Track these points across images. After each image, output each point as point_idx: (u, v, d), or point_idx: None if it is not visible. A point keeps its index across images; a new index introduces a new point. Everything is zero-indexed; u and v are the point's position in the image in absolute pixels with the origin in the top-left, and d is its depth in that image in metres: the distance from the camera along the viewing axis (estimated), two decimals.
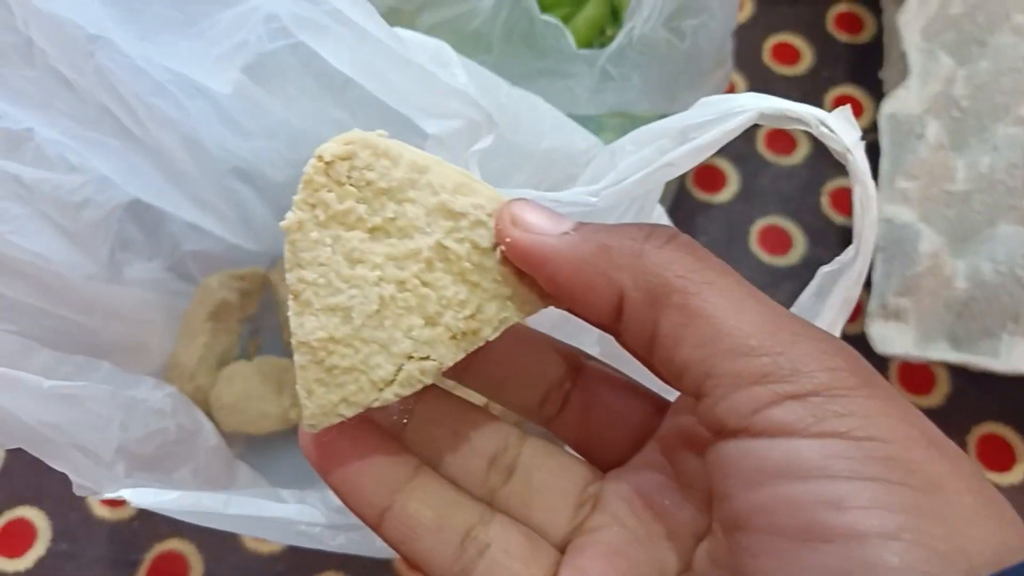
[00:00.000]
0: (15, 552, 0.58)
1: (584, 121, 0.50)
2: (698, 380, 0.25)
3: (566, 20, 0.57)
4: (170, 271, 0.60)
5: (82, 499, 0.59)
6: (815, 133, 0.31)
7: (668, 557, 0.30)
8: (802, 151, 0.69)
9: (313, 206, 0.27)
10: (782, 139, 0.69)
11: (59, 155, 0.45)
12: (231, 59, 0.43)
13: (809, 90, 0.71)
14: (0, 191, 0.42)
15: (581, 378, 0.33)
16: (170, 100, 0.46)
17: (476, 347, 0.28)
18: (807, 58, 0.72)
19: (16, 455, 0.60)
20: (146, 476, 0.39)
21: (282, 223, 0.27)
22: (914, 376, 0.61)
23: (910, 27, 0.62)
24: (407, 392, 0.28)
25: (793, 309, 0.32)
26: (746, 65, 0.71)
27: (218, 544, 0.58)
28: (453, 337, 0.28)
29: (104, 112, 0.44)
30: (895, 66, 0.66)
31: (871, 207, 0.31)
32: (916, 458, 0.22)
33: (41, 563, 0.57)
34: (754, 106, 0.31)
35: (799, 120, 0.31)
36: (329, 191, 0.27)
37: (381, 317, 0.27)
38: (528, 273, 0.28)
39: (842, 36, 0.73)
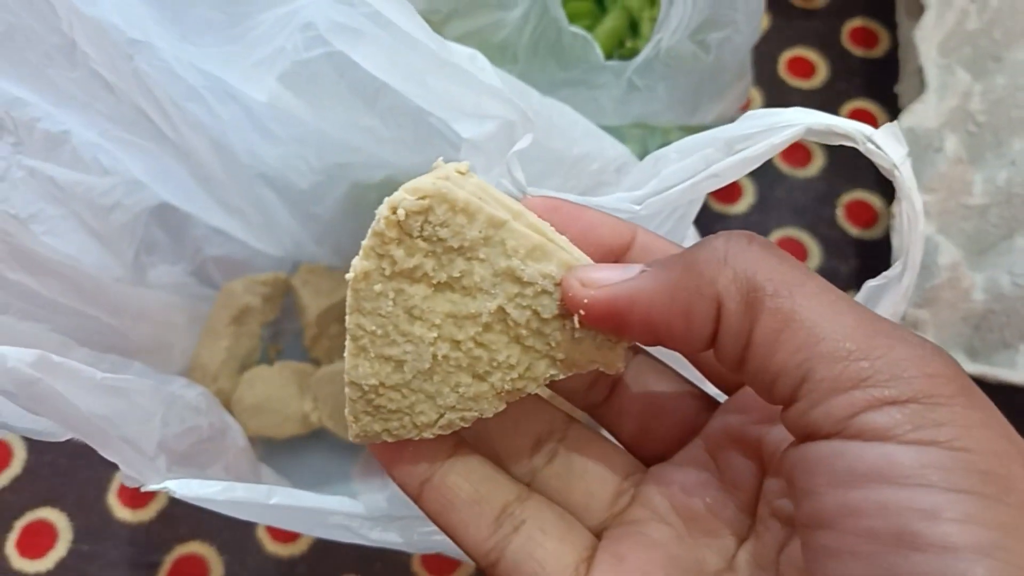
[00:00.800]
0: (36, 553, 0.58)
1: (605, 132, 0.50)
2: (793, 385, 0.24)
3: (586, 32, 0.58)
4: (192, 275, 0.60)
5: (103, 501, 0.59)
6: (861, 149, 0.31)
7: (708, 556, 0.30)
8: (817, 163, 0.69)
9: (380, 257, 0.26)
10: (798, 151, 0.70)
11: (93, 158, 0.46)
12: (268, 66, 0.44)
13: (824, 103, 0.72)
14: (37, 192, 0.42)
15: (631, 367, 0.33)
16: (203, 105, 0.47)
17: (522, 396, 0.29)
18: (822, 72, 0.73)
19: (38, 457, 0.61)
20: (182, 471, 0.39)
21: (348, 275, 0.27)
22: None
23: (927, 42, 0.63)
24: (446, 432, 0.29)
25: None
26: (762, 78, 0.72)
27: (238, 547, 0.58)
28: (498, 394, 0.28)
29: (140, 115, 0.44)
30: (911, 80, 0.67)
31: (918, 223, 0.31)
32: (1013, 474, 0.22)
33: (62, 564, 0.58)
34: (801, 121, 0.31)
35: (846, 136, 0.31)
36: (399, 246, 0.26)
37: (432, 373, 0.28)
38: (611, 330, 0.28)
39: (857, 50, 0.74)
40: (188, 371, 0.59)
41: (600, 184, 0.44)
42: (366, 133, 0.49)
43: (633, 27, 0.63)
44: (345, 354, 0.28)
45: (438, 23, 0.54)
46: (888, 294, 0.32)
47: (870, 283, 0.32)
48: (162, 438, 0.38)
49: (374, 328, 0.27)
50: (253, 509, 0.36)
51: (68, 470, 0.61)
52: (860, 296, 0.33)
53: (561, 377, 0.29)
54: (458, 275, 0.27)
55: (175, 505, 0.59)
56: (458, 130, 0.40)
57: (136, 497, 0.60)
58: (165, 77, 0.44)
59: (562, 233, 0.29)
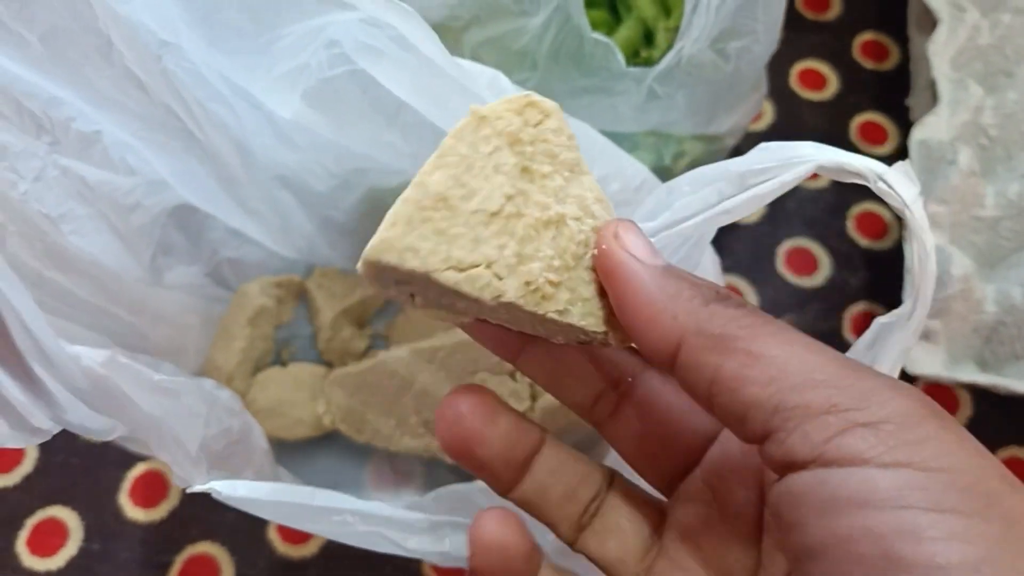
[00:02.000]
0: (47, 551, 0.58)
1: (620, 139, 0.51)
2: (765, 417, 0.25)
3: None
4: (208, 277, 0.60)
5: (114, 500, 0.59)
6: (872, 188, 0.31)
7: None
8: (823, 179, 0.70)
9: (504, 112, 0.28)
10: None
11: (121, 158, 0.46)
12: (292, 81, 0.44)
13: (835, 116, 0.72)
14: (68, 192, 0.43)
15: (637, 386, 0.33)
16: (227, 107, 0.47)
17: (537, 312, 0.29)
18: (833, 84, 0.74)
19: (49, 455, 0.61)
20: (219, 473, 0.39)
21: (473, 106, 0.29)
22: (937, 398, 0.62)
23: (940, 56, 0.64)
24: (460, 289, 0.28)
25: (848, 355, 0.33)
26: (773, 90, 0.72)
27: (249, 548, 0.58)
28: (527, 283, 0.29)
29: (169, 114, 0.45)
30: (922, 94, 0.68)
31: (929, 262, 0.31)
32: (993, 490, 0.22)
33: (72, 563, 0.58)
34: (814, 157, 0.31)
35: (857, 174, 0.31)
36: (518, 115, 0.29)
37: (488, 221, 0.28)
38: (607, 291, 0.29)
39: (867, 63, 0.74)
40: (202, 372, 0.59)
41: (620, 204, 0.44)
42: (386, 147, 0.50)
43: (648, 37, 0.63)
44: (425, 164, 0.28)
45: (458, 30, 0.55)
46: (897, 332, 0.32)
47: (880, 320, 0.33)
48: (204, 439, 0.38)
49: (466, 151, 0.28)
50: (297, 510, 0.36)
51: (80, 469, 0.61)
52: (870, 333, 0.33)
53: (576, 323, 0.30)
54: (544, 173, 0.29)
55: (186, 505, 0.60)
56: None
57: (147, 497, 0.60)
58: (192, 79, 0.44)
59: None
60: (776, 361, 0.25)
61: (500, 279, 0.28)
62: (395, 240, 0.27)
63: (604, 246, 0.28)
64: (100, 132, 0.44)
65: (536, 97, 0.29)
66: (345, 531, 0.39)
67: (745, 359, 0.25)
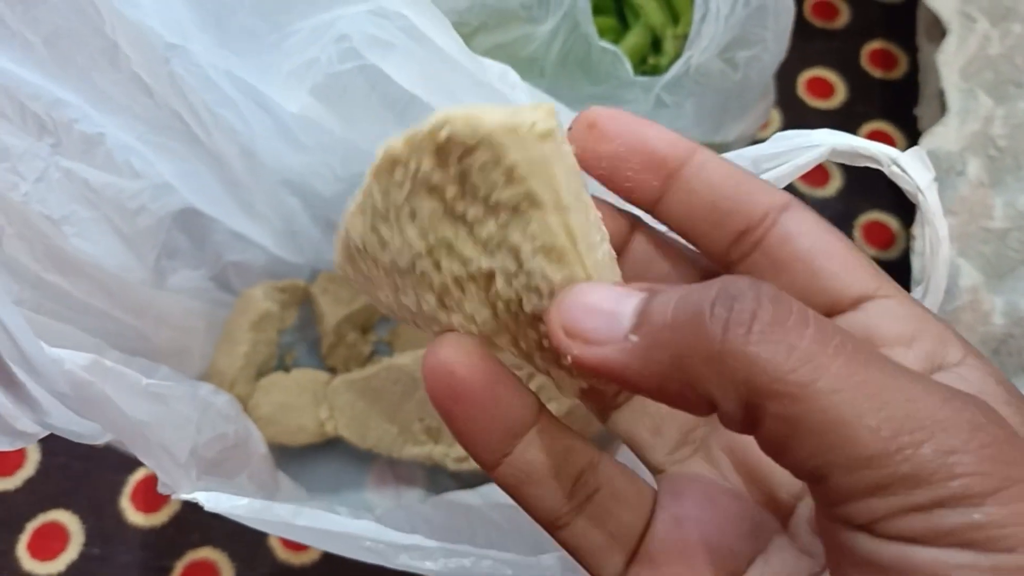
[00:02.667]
0: (47, 555, 0.58)
1: None
2: (809, 480, 0.22)
3: None
4: (212, 281, 0.60)
5: (115, 504, 0.59)
6: (886, 172, 0.31)
7: (765, 516, 0.29)
8: (835, 184, 0.70)
9: (412, 152, 0.24)
10: (816, 172, 0.70)
11: (125, 160, 0.46)
12: (301, 77, 0.44)
13: (842, 124, 0.72)
14: (71, 194, 0.43)
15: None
16: (234, 111, 0.47)
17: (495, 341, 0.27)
18: (841, 93, 0.73)
19: (51, 458, 0.61)
20: (211, 480, 0.39)
21: (379, 148, 0.25)
22: None
23: (949, 66, 0.63)
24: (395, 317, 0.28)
25: None
26: (781, 98, 0.72)
27: (250, 554, 0.58)
28: (461, 326, 0.27)
29: (175, 118, 0.44)
30: (930, 103, 0.68)
31: (941, 248, 0.31)
32: None
33: (73, 567, 0.58)
34: (828, 142, 0.31)
35: (871, 158, 0.31)
36: (432, 156, 0.24)
37: (406, 274, 0.26)
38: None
39: (876, 72, 0.74)
40: (205, 377, 0.59)
41: None
42: None
43: (655, 44, 0.63)
44: (350, 201, 0.26)
45: (466, 36, 0.54)
46: None
47: None
48: (194, 445, 0.38)
49: (379, 200, 0.25)
50: (280, 527, 0.36)
51: (81, 473, 0.60)
52: None
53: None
54: (471, 219, 0.24)
55: (187, 511, 0.59)
56: None
57: (149, 501, 0.60)
58: (199, 82, 0.44)
59: (614, 140, 0.27)
60: (815, 431, 0.21)
61: (423, 328, 0.27)
62: (343, 267, 0.27)
63: (568, 357, 0.24)
64: (103, 134, 0.44)
65: (456, 127, 0.23)
66: (333, 545, 0.39)
67: (782, 427, 0.21)
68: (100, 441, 0.32)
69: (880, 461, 0.20)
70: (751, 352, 0.21)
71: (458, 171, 0.24)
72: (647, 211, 0.29)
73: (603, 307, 0.23)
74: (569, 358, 0.23)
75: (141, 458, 0.34)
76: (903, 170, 0.31)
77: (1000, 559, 0.19)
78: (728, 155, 0.33)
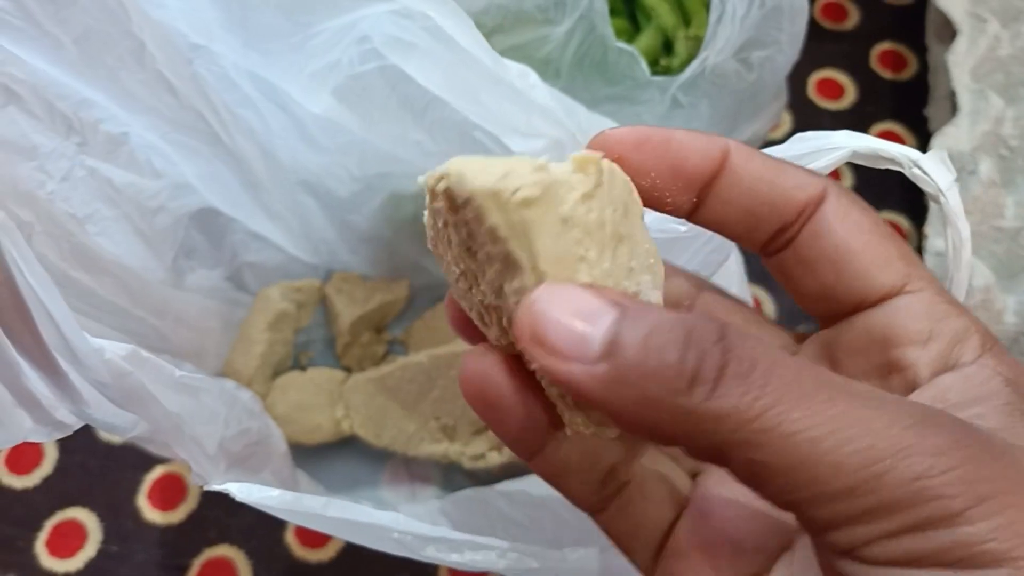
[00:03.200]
0: (66, 553, 0.58)
1: None
2: (787, 510, 0.22)
3: None
4: (228, 280, 0.61)
5: (133, 502, 0.60)
6: (907, 174, 0.31)
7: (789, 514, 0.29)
8: (846, 183, 0.70)
9: (432, 197, 0.25)
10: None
11: (147, 160, 0.46)
12: (324, 78, 0.45)
13: (853, 125, 0.72)
14: (95, 193, 0.43)
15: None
16: (254, 112, 0.47)
17: None
18: (851, 94, 0.74)
19: (69, 457, 0.61)
20: (239, 474, 0.39)
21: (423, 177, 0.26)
22: None
23: (960, 67, 0.64)
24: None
25: None
26: (792, 99, 0.72)
27: (266, 552, 0.58)
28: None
29: (198, 118, 0.45)
30: (940, 104, 0.68)
31: (964, 250, 0.31)
32: None
33: (91, 565, 0.58)
34: (849, 144, 0.31)
35: (892, 160, 0.31)
36: (439, 203, 0.25)
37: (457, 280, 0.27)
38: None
39: (886, 73, 0.74)
40: (221, 376, 0.59)
41: None
42: (413, 146, 0.50)
43: (667, 46, 0.63)
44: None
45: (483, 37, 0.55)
46: None
47: None
48: (222, 439, 0.38)
49: (429, 221, 0.27)
50: (310, 518, 0.36)
51: (99, 471, 0.61)
52: None
53: None
54: (480, 258, 0.25)
55: (204, 508, 0.60)
56: (508, 144, 0.40)
57: (166, 499, 0.60)
58: (220, 83, 0.45)
59: (649, 170, 0.27)
60: (785, 475, 0.21)
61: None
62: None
63: (534, 365, 0.23)
64: (127, 134, 0.44)
65: (451, 181, 0.24)
66: (359, 536, 0.39)
67: (748, 473, 0.22)
68: (130, 434, 0.33)
69: (847, 495, 0.20)
70: (714, 408, 0.21)
71: (463, 217, 0.24)
72: (686, 219, 0.29)
73: (573, 325, 0.22)
74: (534, 365, 0.23)
75: (175, 449, 0.35)
76: (924, 172, 0.31)
77: (981, 575, 0.20)
78: None
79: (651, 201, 0.28)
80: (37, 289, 0.25)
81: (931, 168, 0.31)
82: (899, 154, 0.31)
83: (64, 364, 0.27)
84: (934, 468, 0.20)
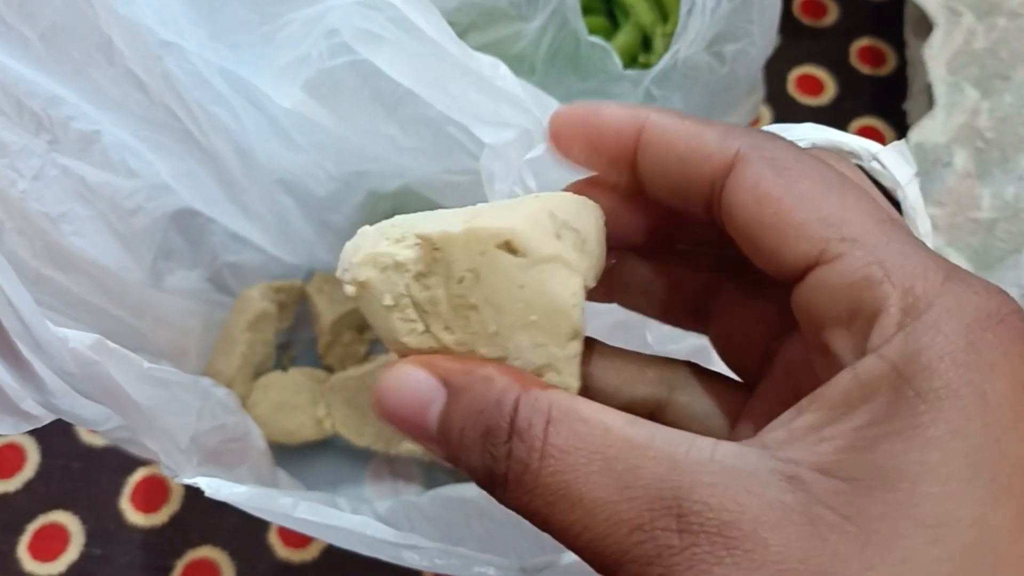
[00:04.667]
0: (48, 556, 0.58)
1: None
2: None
3: None
4: (209, 281, 0.61)
5: (115, 505, 0.60)
6: (866, 167, 0.31)
7: None
8: None
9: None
10: None
11: (121, 159, 0.46)
12: (294, 72, 0.45)
13: (832, 121, 0.72)
14: (68, 192, 0.43)
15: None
16: (228, 109, 0.47)
17: None
18: (830, 89, 0.74)
19: (51, 460, 0.61)
20: (212, 469, 0.39)
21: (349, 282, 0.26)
22: None
23: (936, 60, 0.64)
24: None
25: None
26: (771, 95, 0.73)
27: (250, 552, 0.58)
28: None
29: (170, 115, 0.45)
30: (919, 98, 0.68)
31: (926, 242, 0.32)
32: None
33: (74, 567, 0.58)
34: (809, 136, 0.31)
35: (852, 154, 0.31)
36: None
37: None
38: None
39: (865, 69, 0.75)
40: (203, 376, 0.59)
41: None
42: (386, 141, 0.50)
43: (645, 43, 0.63)
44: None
45: (456, 35, 0.55)
46: None
47: None
48: (195, 433, 0.38)
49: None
50: (279, 517, 0.36)
51: (81, 474, 0.61)
52: None
53: None
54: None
55: (187, 510, 0.60)
56: (479, 135, 0.40)
57: (148, 502, 0.60)
58: (192, 80, 0.45)
59: (573, 146, 0.28)
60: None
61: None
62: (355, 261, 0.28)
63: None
64: (99, 132, 0.44)
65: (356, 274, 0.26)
66: (330, 537, 0.39)
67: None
68: (103, 428, 0.33)
69: (601, 569, 0.22)
70: (509, 504, 0.23)
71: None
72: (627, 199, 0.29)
73: (411, 412, 0.25)
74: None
75: (144, 439, 0.35)
76: (883, 166, 0.31)
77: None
78: None
79: (592, 186, 0.29)
80: None
81: (890, 161, 0.30)
82: (859, 147, 0.31)
83: (27, 352, 0.27)
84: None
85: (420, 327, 0.25)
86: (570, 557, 0.38)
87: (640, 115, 0.26)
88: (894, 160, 0.31)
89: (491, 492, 0.24)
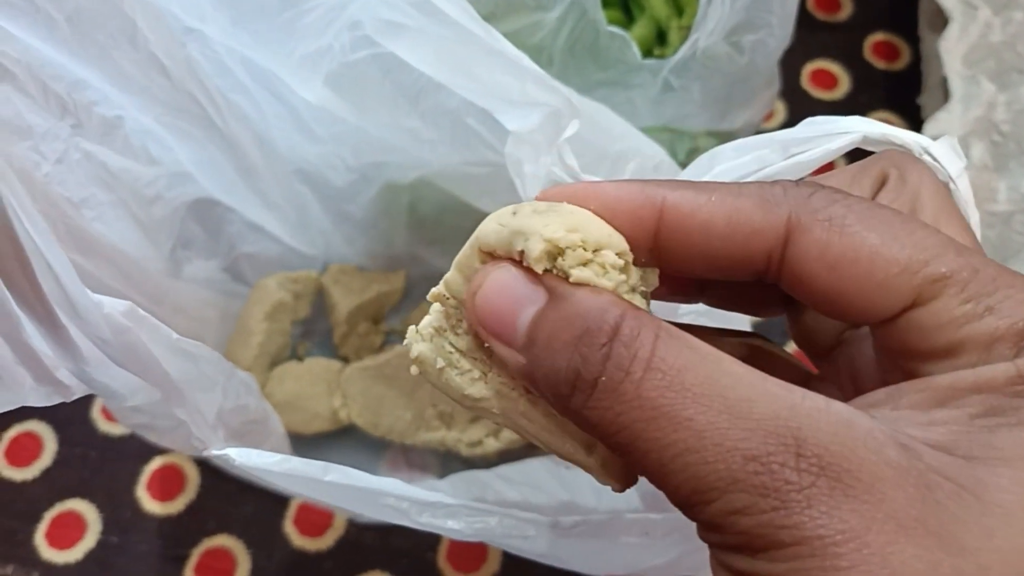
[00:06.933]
0: (66, 544, 0.58)
1: None
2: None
3: None
4: (226, 272, 0.61)
5: (132, 493, 0.60)
6: None
7: None
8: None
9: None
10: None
11: (142, 146, 0.46)
12: (315, 64, 0.45)
13: (846, 114, 0.72)
14: (90, 177, 0.43)
15: None
16: (248, 98, 0.48)
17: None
18: (844, 84, 0.74)
19: (68, 449, 0.61)
20: (237, 444, 0.40)
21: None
22: None
23: (951, 54, 0.64)
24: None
25: None
26: (786, 89, 0.72)
27: (265, 541, 0.59)
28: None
29: (192, 101, 0.45)
30: (933, 92, 0.68)
31: (975, 236, 0.32)
32: None
33: (91, 555, 0.58)
34: (860, 129, 0.31)
35: (903, 147, 0.30)
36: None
37: None
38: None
39: (879, 63, 0.75)
40: None
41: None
42: (407, 134, 0.50)
43: (660, 36, 0.64)
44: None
45: None
46: None
47: None
48: (221, 408, 0.38)
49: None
50: (309, 484, 0.36)
51: (98, 462, 0.61)
52: None
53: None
54: None
55: (203, 499, 0.60)
56: (503, 122, 0.40)
57: (165, 490, 0.60)
58: (215, 67, 0.45)
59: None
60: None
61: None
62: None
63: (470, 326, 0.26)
64: (122, 117, 0.44)
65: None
66: (357, 504, 0.39)
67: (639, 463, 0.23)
68: (132, 402, 0.33)
69: (686, 509, 0.22)
70: (586, 415, 0.23)
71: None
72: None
73: (505, 311, 0.24)
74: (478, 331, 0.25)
75: (175, 410, 0.35)
76: (935, 159, 0.31)
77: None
78: (758, 138, 0.33)
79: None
80: (37, 240, 0.26)
81: (942, 155, 0.30)
82: (911, 141, 0.30)
83: (64, 318, 0.27)
84: (752, 508, 0.21)
85: (477, 373, 0.26)
86: (600, 516, 0.39)
87: (655, 195, 0.25)
88: (946, 154, 0.30)
89: (566, 400, 0.23)
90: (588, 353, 0.22)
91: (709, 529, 0.22)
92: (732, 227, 0.25)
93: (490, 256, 0.25)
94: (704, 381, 0.21)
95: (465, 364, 0.26)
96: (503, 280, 0.24)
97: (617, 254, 0.24)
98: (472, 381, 0.26)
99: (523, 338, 0.24)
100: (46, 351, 0.28)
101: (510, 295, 0.24)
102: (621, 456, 0.23)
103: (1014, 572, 0.19)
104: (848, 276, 0.23)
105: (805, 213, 0.24)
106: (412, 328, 0.27)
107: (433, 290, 0.26)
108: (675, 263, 0.26)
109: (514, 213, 0.25)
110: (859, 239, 0.23)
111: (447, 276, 0.26)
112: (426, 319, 0.27)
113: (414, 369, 0.27)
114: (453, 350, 0.26)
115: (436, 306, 0.27)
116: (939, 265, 0.23)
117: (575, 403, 0.23)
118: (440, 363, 0.26)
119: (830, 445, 0.20)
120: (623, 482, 0.26)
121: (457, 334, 0.26)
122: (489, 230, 0.25)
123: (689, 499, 0.21)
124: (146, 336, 0.31)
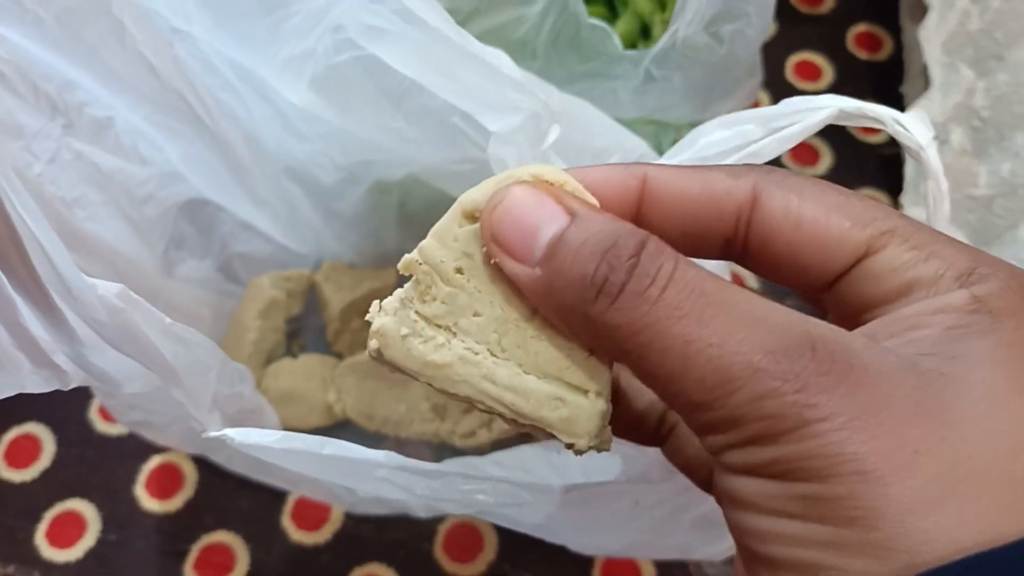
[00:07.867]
0: (66, 543, 0.59)
1: None
2: (673, 409, 0.26)
3: None
4: (219, 271, 0.62)
5: (130, 491, 0.60)
6: (890, 131, 0.33)
7: None
8: (825, 162, 0.71)
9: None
10: (806, 150, 0.72)
11: (133, 146, 0.47)
12: (299, 67, 0.46)
13: None
14: (82, 176, 0.44)
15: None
16: (236, 97, 0.48)
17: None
18: (828, 75, 0.75)
19: (67, 449, 0.62)
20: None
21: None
22: None
23: (931, 42, 0.65)
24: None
25: None
26: (770, 81, 0.73)
27: (264, 535, 0.59)
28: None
29: (180, 100, 0.46)
30: (915, 81, 0.69)
31: (943, 203, 0.33)
32: (840, 494, 0.22)
33: (91, 553, 0.59)
34: (836, 104, 0.33)
35: (875, 119, 0.33)
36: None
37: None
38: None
39: (862, 54, 0.76)
40: None
41: None
42: (392, 134, 0.51)
43: (644, 31, 0.64)
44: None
45: (459, 22, 0.56)
46: None
47: None
48: (216, 394, 0.39)
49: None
50: (306, 459, 0.37)
51: (96, 462, 0.62)
52: None
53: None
54: None
55: (201, 495, 0.61)
56: (485, 123, 0.41)
57: (163, 488, 0.61)
58: (202, 67, 0.46)
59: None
60: (659, 383, 0.24)
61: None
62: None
63: (493, 260, 0.26)
64: (112, 118, 0.45)
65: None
66: (355, 478, 0.40)
67: (637, 376, 0.25)
68: (129, 389, 0.33)
69: (706, 407, 0.23)
70: (610, 319, 0.24)
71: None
72: None
73: (525, 226, 0.25)
74: (494, 260, 0.26)
75: (172, 392, 0.35)
76: (905, 129, 0.32)
77: (796, 488, 0.22)
78: (741, 113, 0.35)
79: None
80: (31, 223, 0.26)
81: (912, 125, 0.32)
82: (882, 113, 0.33)
83: (58, 300, 0.28)
84: (779, 391, 0.22)
85: (441, 339, 0.27)
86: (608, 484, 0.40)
87: (637, 171, 0.28)
88: (915, 124, 0.32)
89: (589, 305, 0.24)
90: (616, 263, 0.24)
91: (725, 427, 0.23)
92: (706, 192, 0.27)
93: (474, 217, 0.26)
94: (723, 294, 0.24)
95: (429, 332, 0.27)
96: (524, 197, 0.26)
97: None
98: (436, 347, 0.27)
99: (543, 250, 0.25)
100: (43, 334, 0.29)
101: (531, 211, 0.25)
102: (631, 362, 0.24)
103: (992, 435, 0.22)
104: (810, 232, 0.26)
105: (769, 182, 0.27)
106: (376, 302, 0.28)
107: (406, 257, 0.27)
108: (655, 231, 0.27)
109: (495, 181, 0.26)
110: (817, 201, 0.26)
111: (423, 243, 0.27)
112: (393, 295, 0.27)
113: (372, 343, 0.27)
114: (418, 318, 0.27)
115: (404, 285, 0.28)
116: (885, 222, 0.26)
117: (598, 307, 0.24)
118: (404, 331, 0.27)
119: (840, 344, 0.23)
120: (588, 435, 0.27)
121: (424, 301, 0.27)
122: (473, 193, 0.26)
123: (712, 391, 0.23)
124: (140, 319, 0.31)
